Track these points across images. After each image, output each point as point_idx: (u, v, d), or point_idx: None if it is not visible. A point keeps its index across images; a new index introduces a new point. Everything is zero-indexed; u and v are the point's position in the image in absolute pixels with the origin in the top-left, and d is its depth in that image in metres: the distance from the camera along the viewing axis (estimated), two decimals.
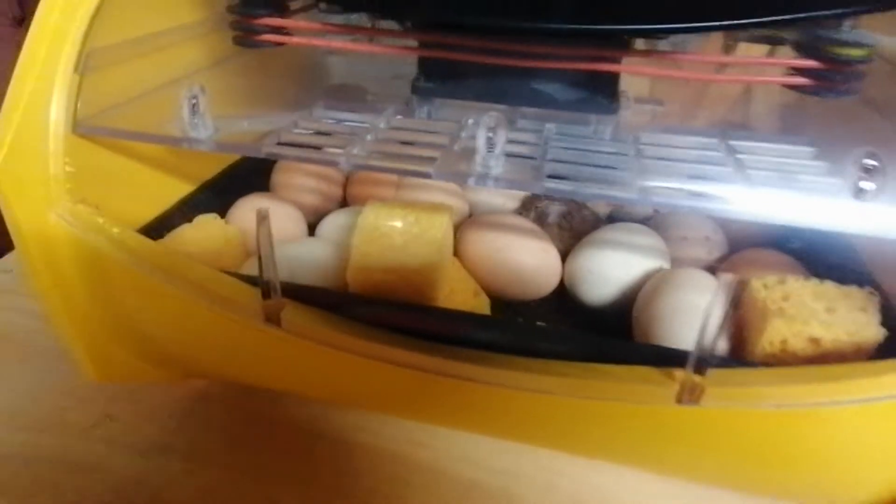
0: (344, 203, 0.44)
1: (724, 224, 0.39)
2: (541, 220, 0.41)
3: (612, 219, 0.42)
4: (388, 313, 0.28)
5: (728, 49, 0.28)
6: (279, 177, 0.43)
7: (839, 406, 0.23)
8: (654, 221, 0.40)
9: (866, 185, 0.20)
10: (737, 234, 0.38)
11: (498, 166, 0.24)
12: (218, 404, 0.39)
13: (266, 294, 0.27)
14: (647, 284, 0.33)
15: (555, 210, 0.41)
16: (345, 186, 0.44)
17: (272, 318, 0.28)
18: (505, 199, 0.43)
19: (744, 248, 0.36)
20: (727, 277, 0.22)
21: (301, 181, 0.42)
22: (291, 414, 0.39)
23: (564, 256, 0.37)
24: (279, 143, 0.27)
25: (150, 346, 0.33)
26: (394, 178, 0.42)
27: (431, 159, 0.25)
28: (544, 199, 0.42)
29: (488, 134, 0.23)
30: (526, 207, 0.42)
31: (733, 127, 0.31)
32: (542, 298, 0.37)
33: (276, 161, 0.43)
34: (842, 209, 0.21)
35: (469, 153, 0.25)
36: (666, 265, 0.35)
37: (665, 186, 0.23)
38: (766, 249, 0.35)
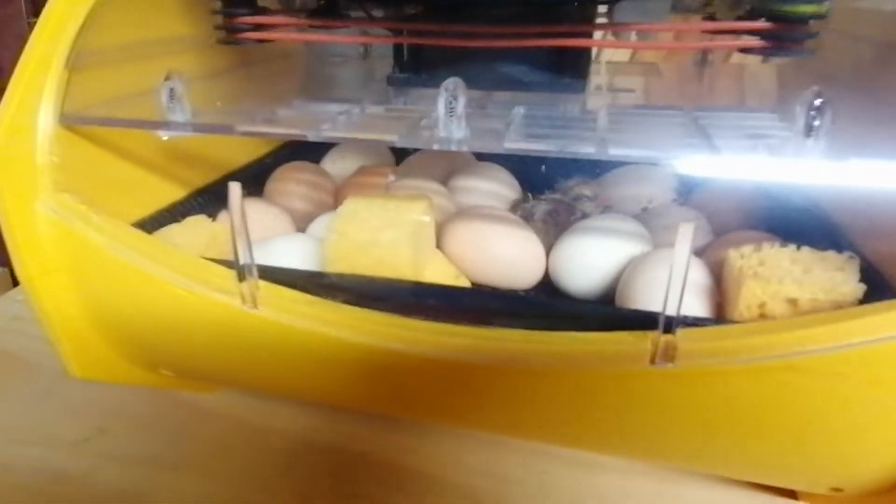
0: (336, 209, 0.45)
1: (708, 215, 0.39)
2: (528, 218, 0.41)
3: (603, 210, 0.43)
4: (362, 289, 0.28)
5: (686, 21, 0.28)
6: (273, 185, 0.44)
7: (812, 355, 0.23)
8: (639, 218, 0.40)
9: (816, 122, 0.21)
10: (720, 221, 0.38)
11: (460, 130, 0.24)
12: (208, 416, 0.40)
13: (241, 276, 0.28)
14: (627, 267, 0.33)
15: (541, 209, 0.42)
16: (336, 194, 0.45)
17: (249, 300, 0.28)
18: (493, 202, 0.43)
19: (728, 232, 0.36)
20: (684, 225, 0.22)
21: (294, 188, 0.43)
22: (282, 423, 0.39)
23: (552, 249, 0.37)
24: (257, 124, 0.28)
25: (134, 340, 0.33)
26: (382, 182, 0.43)
27: (399, 129, 0.26)
28: (532, 199, 0.43)
29: (449, 99, 0.24)
30: (513, 208, 0.43)
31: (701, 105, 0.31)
32: (529, 289, 0.37)
33: (272, 171, 0.44)
34: (795, 156, 0.21)
35: (434, 118, 0.25)
36: (648, 250, 0.35)
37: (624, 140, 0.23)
38: (750, 231, 0.35)
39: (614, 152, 0.23)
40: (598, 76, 0.37)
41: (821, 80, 0.32)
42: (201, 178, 0.41)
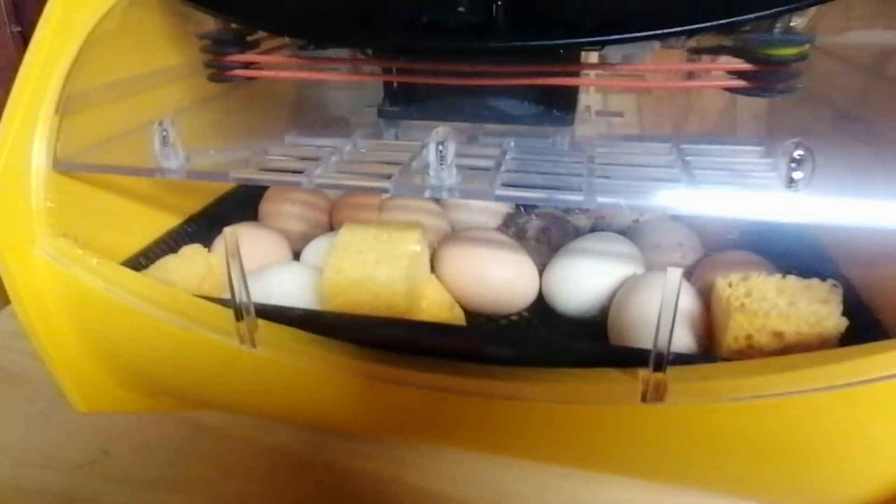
0: (330, 229, 0.45)
1: (698, 230, 0.39)
2: (520, 235, 0.41)
3: (592, 231, 0.43)
4: (360, 328, 0.29)
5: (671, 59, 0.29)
6: (267, 206, 0.44)
7: (800, 396, 0.23)
8: (630, 232, 0.41)
9: (797, 174, 0.21)
10: (711, 240, 0.38)
11: (450, 177, 0.25)
12: (211, 436, 0.40)
13: (239, 315, 0.28)
14: (620, 290, 0.34)
15: (534, 225, 0.42)
16: (330, 213, 0.45)
17: (247, 339, 0.29)
18: (487, 218, 0.44)
19: (718, 252, 0.37)
20: (672, 271, 0.22)
21: (288, 209, 0.44)
22: (284, 441, 0.39)
23: (545, 270, 0.38)
24: (252, 169, 0.29)
25: (135, 374, 0.34)
26: (376, 201, 0.43)
27: (389, 176, 0.26)
28: (524, 216, 0.43)
29: (438, 147, 0.24)
30: (506, 224, 0.43)
31: (689, 135, 0.31)
32: (522, 311, 0.37)
33: (264, 191, 0.45)
34: (776, 199, 0.22)
35: (426, 168, 0.26)
36: (640, 271, 0.35)
37: (610, 185, 0.24)
38: (739, 251, 0.36)
39: (602, 201, 0.23)
40: (587, 94, 0.37)
41: (810, 105, 0.33)
42: (194, 205, 0.41)
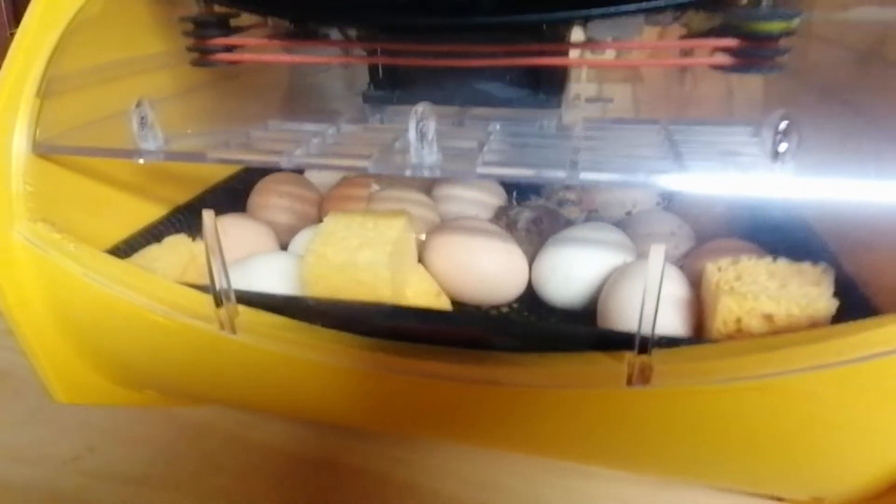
0: (319, 221, 0.45)
1: (691, 220, 0.39)
2: (511, 226, 0.41)
3: (586, 219, 0.43)
4: (340, 313, 0.28)
5: (658, 37, 0.28)
6: (256, 198, 0.44)
7: (788, 376, 0.23)
8: (623, 223, 0.40)
9: (782, 147, 0.21)
10: (704, 228, 0.38)
11: (431, 155, 0.24)
12: (197, 432, 0.40)
13: (218, 301, 0.28)
14: (609, 278, 0.33)
15: (525, 217, 0.42)
16: (320, 205, 0.45)
17: (227, 325, 0.28)
18: (478, 210, 0.43)
19: (711, 239, 0.36)
20: (656, 247, 0.22)
21: (276, 201, 0.43)
22: (271, 436, 0.39)
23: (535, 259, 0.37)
24: (232, 149, 0.28)
25: (116, 364, 0.33)
26: (365, 193, 0.43)
27: (369, 156, 0.25)
28: (515, 207, 0.43)
29: (419, 125, 0.24)
30: (498, 216, 0.43)
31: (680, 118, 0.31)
32: (512, 302, 0.37)
33: (254, 184, 0.44)
34: (761, 176, 0.21)
35: (406, 143, 0.25)
36: (630, 260, 0.35)
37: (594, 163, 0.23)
38: (730, 240, 0.35)
39: (584, 177, 0.23)
40: (578, 84, 0.37)
41: (803, 84, 0.32)
42: (182, 195, 0.41)
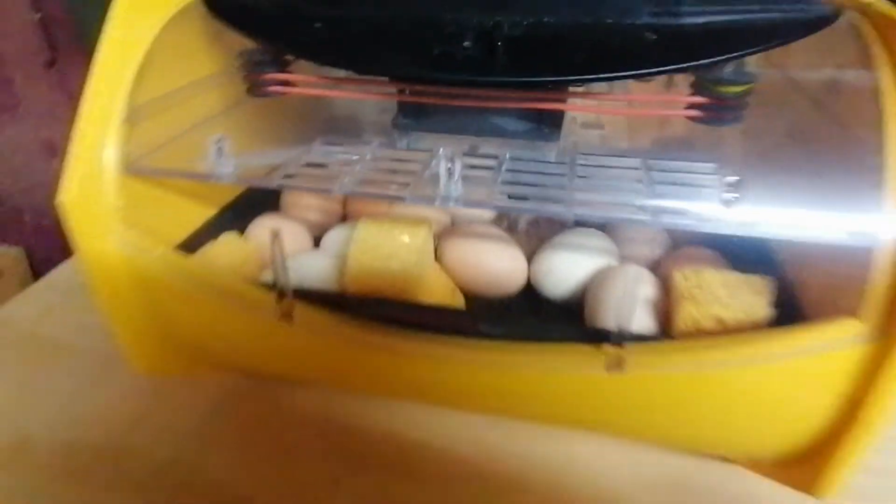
0: (344, 218, 0.51)
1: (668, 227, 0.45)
2: (511, 228, 0.47)
3: (576, 224, 0.49)
4: (379, 309, 0.35)
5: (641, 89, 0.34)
6: (288, 198, 0.50)
7: (731, 367, 0.30)
8: (608, 227, 0.46)
9: (729, 196, 0.27)
10: (678, 236, 0.44)
11: (457, 190, 0.31)
12: (242, 397, 0.46)
13: (280, 297, 0.34)
14: (595, 278, 0.40)
15: (524, 219, 0.48)
16: (344, 203, 0.51)
17: (285, 317, 0.35)
18: (482, 212, 0.50)
19: (683, 246, 0.43)
20: (631, 269, 0.28)
21: (307, 201, 0.49)
22: (305, 403, 0.45)
23: (533, 259, 0.44)
24: (286, 176, 0.34)
25: (188, 345, 0.40)
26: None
27: (406, 185, 0.32)
28: None
29: (448, 165, 0.30)
30: (499, 219, 0.49)
31: (660, 148, 0.37)
32: (513, 294, 0.43)
33: None
34: (714, 214, 0.28)
35: (436, 178, 0.32)
36: (614, 262, 0.41)
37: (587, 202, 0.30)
38: (699, 247, 0.42)
39: (578, 212, 0.29)
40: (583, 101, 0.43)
41: (767, 127, 0.39)
42: (228, 196, 0.47)
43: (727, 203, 0.27)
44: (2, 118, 0.99)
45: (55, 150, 1.01)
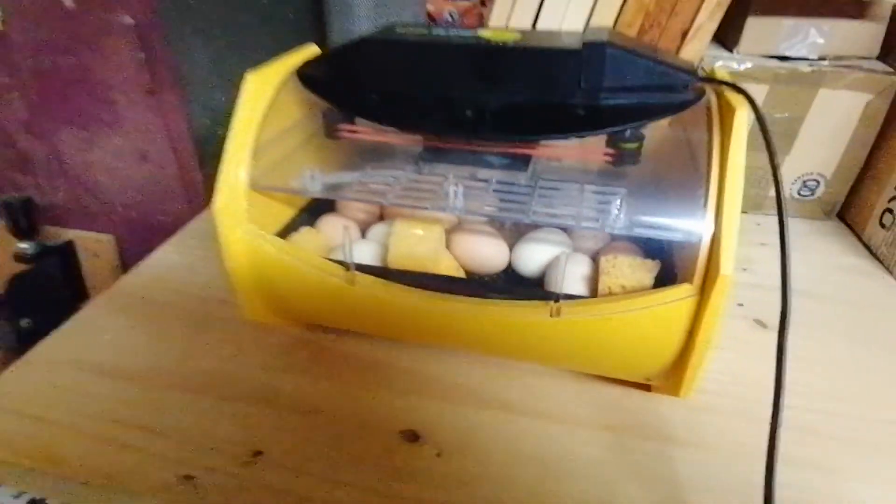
0: (381, 217, 0.71)
1: None
2: (499, 226, 0.67)
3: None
4: (411, 279, 0.55)
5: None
6: (342, 203, 0.70)
7: (627, 314, 0.49)
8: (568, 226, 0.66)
9: (617, 212, 0.47)
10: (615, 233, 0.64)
11: (460, 202, 0.51)
12: (307, 341, 0.66)
13: (348, 269, 0.54)
14: (551, 262, 0.60)
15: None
16: (381, 208, 0.71)
17: (351, 282, 0.55)
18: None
19: (616, 241, 0.63)
20: (565, 253, 0.48)
21: (356, 205, 0.69)
22: (350, 347, 0.65)
23: (513, 247, 0.64)
24: (353, 191, 0.54)
25: (279, 300, 0.60)
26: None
27: (427, 198, 0.52)
28: None
29: (454, 186, 0.50)
30: (491, 219, 0.69)
31: (591, 177, 0.58)
32: (498, 271, 0.63)
33: None
34: (611, 222, 0.48)
35: (447, 194, 0.52)
36: (568, 251, 0.61)
37: (542, 212, 0.50)
38: (626, 241, 0.61)
39: (534, 219, 0.49)
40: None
41: (655, 165, 0.58)
42: (303, 201, 0.67)
43: (616, 220, 0.47)
44: (106, 131, 1.21)
45: (146, 158, 1.22)
